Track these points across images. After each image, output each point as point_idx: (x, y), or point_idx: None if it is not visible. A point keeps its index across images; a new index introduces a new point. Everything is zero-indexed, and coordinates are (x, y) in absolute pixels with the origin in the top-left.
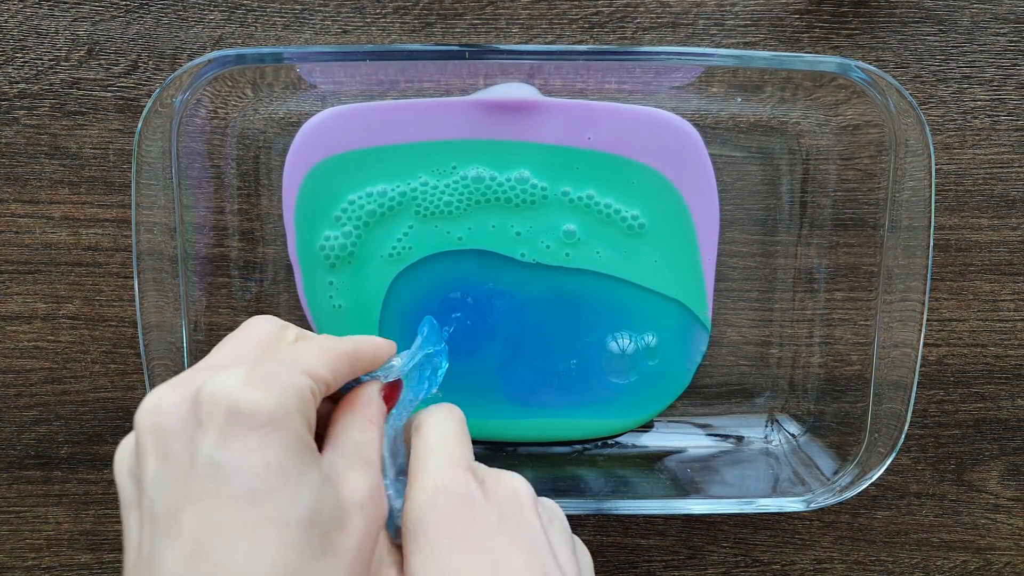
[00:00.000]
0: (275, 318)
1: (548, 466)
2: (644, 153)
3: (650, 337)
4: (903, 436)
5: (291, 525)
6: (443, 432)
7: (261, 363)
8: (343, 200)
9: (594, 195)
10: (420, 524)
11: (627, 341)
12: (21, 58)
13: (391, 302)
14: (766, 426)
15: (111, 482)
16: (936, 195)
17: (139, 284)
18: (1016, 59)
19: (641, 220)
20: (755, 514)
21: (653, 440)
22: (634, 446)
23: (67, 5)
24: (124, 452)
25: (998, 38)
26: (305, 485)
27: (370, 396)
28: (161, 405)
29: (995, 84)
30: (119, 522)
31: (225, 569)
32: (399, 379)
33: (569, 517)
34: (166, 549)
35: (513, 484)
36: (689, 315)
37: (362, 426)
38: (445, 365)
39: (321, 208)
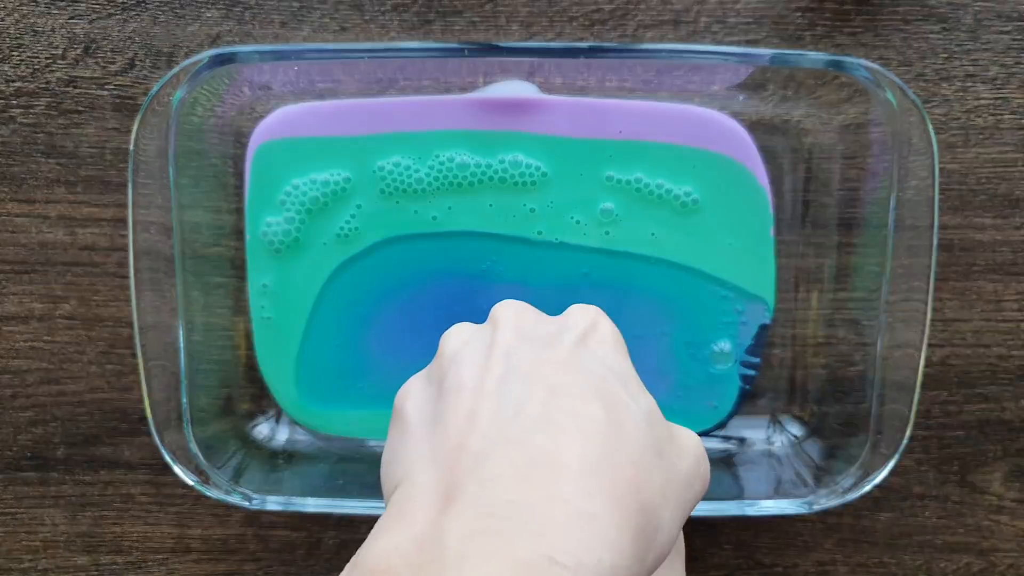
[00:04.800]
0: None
1: None
2: (697, 141)
3: (725, 343)
4: (907, 438)
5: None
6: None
7: None
8: (287, 184)
9: (642, 177)
10: None
11: (699, 346)
12: (17, 56)
13: (330, 304)
14: (768, 427)
15: (108, 483)
16: (939, 194)
17: (136, 284)
18: (1020, 57)
19: (694, 196)
20: (757, 516)
21: None
22: None
23: (64, 3)
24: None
25: (1001, 36)
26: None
27: None
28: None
29: (999, 82)
30: (116, 524)
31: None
32: None
33: None
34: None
35: None
36: (762, 305)
37: None
38: None
39: (269, 192)
